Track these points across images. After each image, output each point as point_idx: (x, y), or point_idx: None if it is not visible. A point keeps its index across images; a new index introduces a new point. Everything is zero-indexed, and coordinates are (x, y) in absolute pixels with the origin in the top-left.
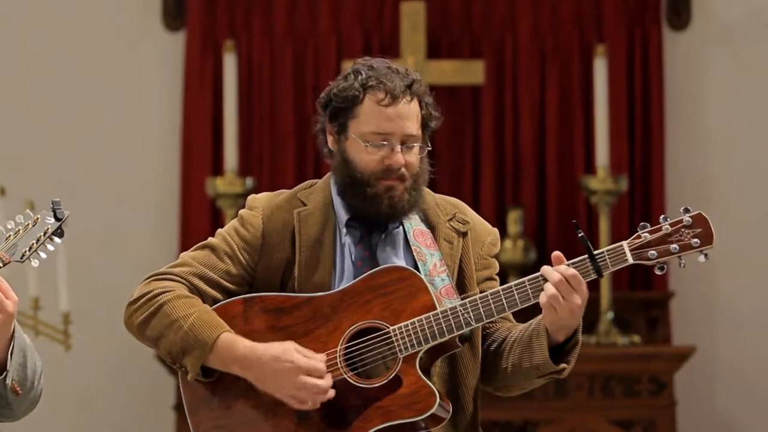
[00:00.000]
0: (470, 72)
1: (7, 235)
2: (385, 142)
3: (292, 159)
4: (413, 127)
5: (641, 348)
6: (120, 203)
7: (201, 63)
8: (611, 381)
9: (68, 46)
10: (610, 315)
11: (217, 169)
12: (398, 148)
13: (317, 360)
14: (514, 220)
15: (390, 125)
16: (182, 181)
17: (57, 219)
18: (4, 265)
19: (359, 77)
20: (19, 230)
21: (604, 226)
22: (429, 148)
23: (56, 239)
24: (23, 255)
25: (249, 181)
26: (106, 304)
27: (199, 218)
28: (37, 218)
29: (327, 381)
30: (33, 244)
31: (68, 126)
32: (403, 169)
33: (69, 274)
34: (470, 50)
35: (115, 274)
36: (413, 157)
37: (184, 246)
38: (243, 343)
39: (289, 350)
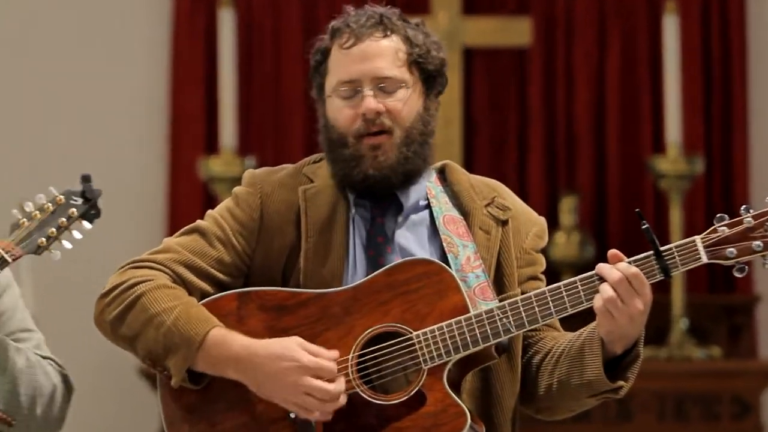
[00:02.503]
0: (514, 31)
1: (21, 220)
2: (356, 91)
3: (300, 134)
4: (387, 67)
5: (721, 363)
6: (96, 188)
7: (191, 20)
8: (685, 402)
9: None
10: (684, 323)
11: (211, 147)
12: (367, 91)
13: (327, 358)
14: (567, 208)
15: (355, 68)
16: (170, 161)
17: (86, 200)
18: (14, 260)
19: (330, 26)
20: (36, 214)
21: (675, 217)
22: (409, 88)
23: (86, 224)
24: (39, 246)
25: (249, 161)
26: (78, 307)
27: (189, 206)
28: (60, 199)
29: (339, 385)
30: (53, 232)
31: (38, 95)
32: (383, 119)
33: (34, 271)
34: (515, 5)
35: (90, 270)
36: (396, 103)
37: None
38: (238, 340)
39: (292, 347)
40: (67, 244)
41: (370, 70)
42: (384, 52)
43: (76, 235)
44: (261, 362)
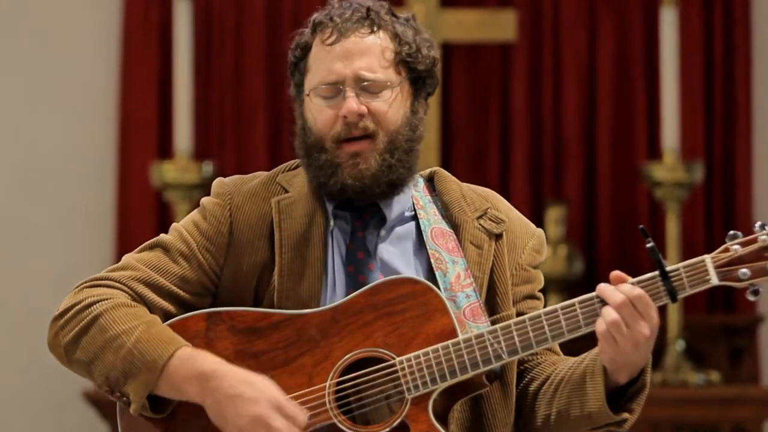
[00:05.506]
0: (498, 25)
1: None
2: (338, 90)
3: (264, 137)
4: (371, 65)
5: (721, 389)
6: (37, 197)
7: (144, 11)
8: (682, 431)
9: None
10: (680, 345)
11: (165, 151)
12: (349, 92)
13: (300, 413)
14: (554, 219)
15: (337, 67)
16: (119, 167)
17: None
18: None
19: (311, 20)
20: None
21: (672, 229)
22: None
23: None
24: None
25: (207, 167)
26: (20, 331)
27: (140, 216)
28: None
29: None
30: None
31: None
32: (366, 121)
33: None
34: None
35: (33, 290)
36: (381, 104)
37: (122, 252)
38: (207, 358)
39: (268, 384)
40: None
41: (353, 70)
42: (369, 51)
43: None
44: (227, 384)
